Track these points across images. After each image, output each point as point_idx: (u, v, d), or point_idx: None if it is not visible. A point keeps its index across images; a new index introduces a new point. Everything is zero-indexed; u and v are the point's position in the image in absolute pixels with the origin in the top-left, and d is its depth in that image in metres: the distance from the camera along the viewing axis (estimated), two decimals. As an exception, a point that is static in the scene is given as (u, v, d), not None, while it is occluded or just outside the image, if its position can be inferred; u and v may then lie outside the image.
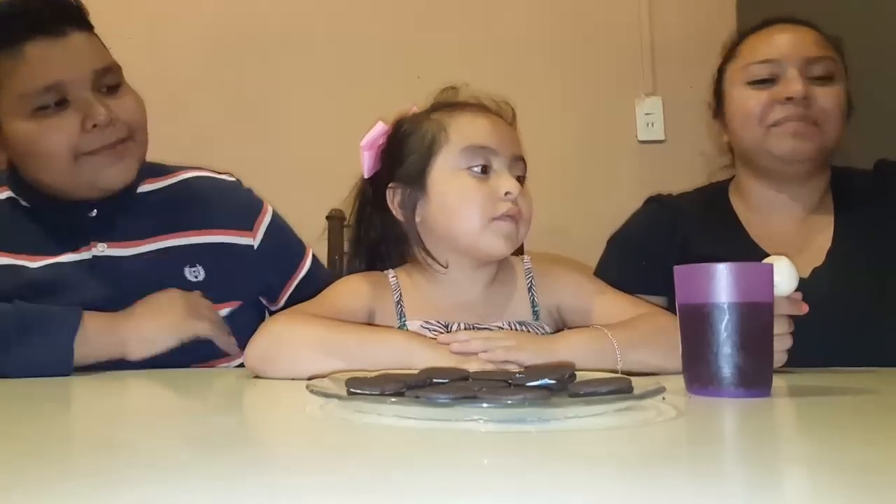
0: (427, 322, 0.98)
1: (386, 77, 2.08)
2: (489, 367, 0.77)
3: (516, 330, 0.97)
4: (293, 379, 0.84)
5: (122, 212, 1.17)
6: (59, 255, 1.13)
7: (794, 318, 0.83)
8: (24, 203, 1.18)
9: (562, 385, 0.63)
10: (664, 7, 2.21)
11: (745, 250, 1.16)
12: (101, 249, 1.14)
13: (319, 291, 1.01)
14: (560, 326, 1.05)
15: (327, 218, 1.52)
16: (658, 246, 1.24)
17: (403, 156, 1.01)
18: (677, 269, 0.73)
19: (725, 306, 0.67)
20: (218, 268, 1.18)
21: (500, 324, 0.98)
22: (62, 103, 1.07)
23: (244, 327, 1.10)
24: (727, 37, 1.28)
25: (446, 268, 1.00)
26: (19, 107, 1.07)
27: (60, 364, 0.97)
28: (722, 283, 0.68)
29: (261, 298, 1.28)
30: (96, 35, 1.14)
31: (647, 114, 2.18)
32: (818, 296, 0.87)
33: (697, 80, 1.41)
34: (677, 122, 2.16)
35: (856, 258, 1.16)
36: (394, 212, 1.03)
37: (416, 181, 1.00)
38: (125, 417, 0.68)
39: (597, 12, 2.20)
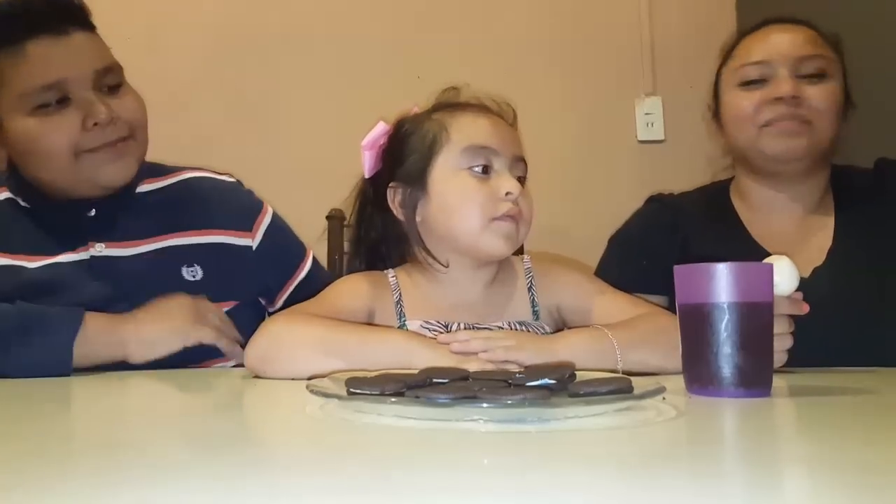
0: (427, 322, 0.98)
1: (386, 77, 2.08)
2: (489, 367, 0.77)
3: (516, 330, 0.97)
4: (293, 379, 0.84)
5: (121, 212, 1.17)
6: (57, 256, 1.13)
7: (795, 318, 0.83)
8: (22, 203, 1.18)
9: (562, 385, 0.63)
10: (664, 7, 2.21)
11: (747, 250, 1.16)
12: (99, 249, 1.14)
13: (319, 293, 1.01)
14: (560, 326, 1.05)
15: (327, 218, 1.52)
16: (658, 245, 1.25)
17: (404, 155, 1.01)
18: (677, 268, 0.73)
19: (725, 306, 0.67)
20: (216, 268, 1.18)
21: (499, 324, 0.98)
22: (63, 101, 1.08)
23: (242, 327, 1.10)
24: (727, 37, 1.28)
25: (447, 267, 1.00)
26: (21, 104, 1.07)
27: (60, 364, 0.97)
28: (722, 282, 0.68)
29: (260, 299, 1.28)
30: (98, 35, 1.14)
31: (646, 114, 2.18)
32: (819, 295, 0.87)
33: (697, 80, 1.41)
34: (677, 122, 2.16)
35: (856, 257, 1.16)
36: (394, 211, 1.03)
37: (417, 181, 1.00)
38: (125, 417, 0.68)
39: (597, 12, 2.20)
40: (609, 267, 1.28)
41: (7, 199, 1.19)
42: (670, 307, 0.99)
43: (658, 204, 1.32)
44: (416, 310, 1.00)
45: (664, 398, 0.62)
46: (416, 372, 0.66)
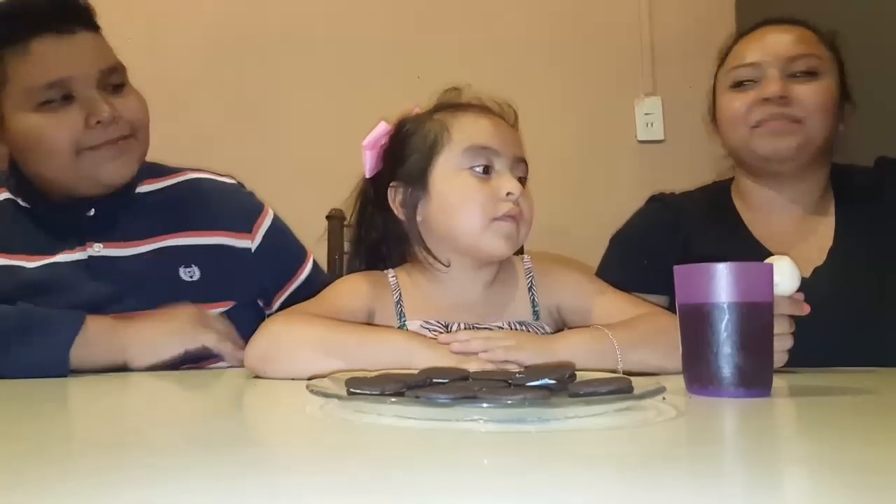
0: (427, 322, 0.98)
1: (386, 77, 2.08)
2: (489, 366, 0.77)
3: (516, 330, 0.97)
4: (293, 379, 0.84)
5: (120, 212, 1.18)
6: (55, 255, 1.13)
7: (795, 318, 0.83)
8: (22, 204, 1.18)
9: (562, 385, 0.62)
10: (664, 7, 2.21)
11: (749, 250, 1.16)
12: (97, 249, 1.14)
13: None
14: (560, 326, 1.05)
15: (327, 218, 1.52)
16: (659, 245, 1.25)
17: (405, 155, 1.01)
18: (677, 268, 0.73)
19: (725, 306, 0.67)
20: (213, 268, 1.18)
21: (500, 324, 0.98)
22: (67, 99, 1.09)
23: (240, 328, 1.10)
24: (726, 36, 1.28)
25: (448, 266, 1.00)
26: (25, 101, 1.08)
27: (57, 365, 0.96)
28: (722, 282, 0.68)
29: (258, 301, 1.28)
30: (102, 36, 1.15)
31: (646, 114, 2.18)
32: (819, 295, 0.87)
33: (697, 80, 1.41)
34: (677, 122, 2.16)
35: (856, 256, 1.16)
36: (395, 211, 1.03)
37: (418, 180, 1.00)
38: (125, 417, 0.68)
39: (597, 12, 2.20)
40: (610, 267, 1.28)
41: (6, 200, 1.19)
42: (671, 307, 0.99)
43: (659, 203, 1.32)
44: (416, 310, 1.00)
45: (664, 398, 0.62)
46: (416, 372, 0.66)
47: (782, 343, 0.81)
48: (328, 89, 2.10)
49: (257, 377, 0.89)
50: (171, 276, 1.15)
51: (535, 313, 1.02)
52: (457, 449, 0.47)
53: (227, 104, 2.07)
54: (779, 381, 0.73)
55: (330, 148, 1.92)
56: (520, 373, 0.66)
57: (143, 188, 1.22)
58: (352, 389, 0.58)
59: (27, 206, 1.18)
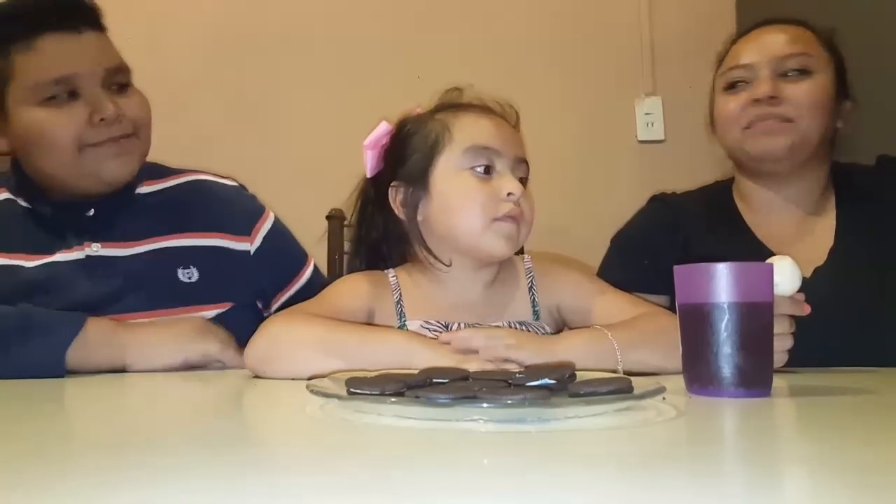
0: (427, 322, 0.98)
1: (386, 77, 2.08)
2: (489, 366, 0.77)
3: (516, 329, 0.97)
4: (293, 379, 0.84)
5: (120, 212, 1.18)
6: (53, 255, 1.13)
7: (796, 318, 0.83)
8: (22, 203, 1.19)
9: (562, 385, 0.62)
10: (664, 7, 2.21)
11: (752, 250, 1.16)
12: (95, 249, 1.14)
13: None
14: (560, 326, 1.05)
15: (327, 218, 1.52)
16: (660, 245, 1.25)
17: (406, 155, 1.02)
18: (677, 268, 0.73)
19: (725, 306, 0.67)
20: (212, 270, 1.18)
21: (500, 324, 0.98)
22: (72, 96, 1.10)
23: (238, 329, 1.10)
24: (726, 36, 1.28)
25: (449, 266, 1.00)
26: (31, 96, 1.09)
27: (54, 365, 0.96)
28: (722, 282, 0.68)
29: (257, 303, 1.28)
30: (108, 36, 1.16)
31: (646, 114, 2.18)
32: (820, 295, 0.86)
33: (697, 80, 1.41)
34: (677, 121, 2.16)
35: (857, 255, 1.16)
36: (395, 210, 1.03)
37: (419, 180, 1.00)
38: (125, 417, 0.68)
39: (597, 12, 2.20)
40: (611, 267, 1.28)
41: (6, 200, 1.20)
42: (672, 307, 0.99)
43: (660, 203, 1.32)
44: (416, 310, 1.00)
45: (664, 398, 0.62)
46: (416, 372, 0.66)
47: (782, 343, 0.81)
48: (328, 89, 2.10)
49: (257, 377, 0.89)
50: (169, 276, 1.16)
51: (536, 313, 1.02)
52: (457, 449, 0.47)
53: (227, 104, 2.07)
54: (779, 381, 0.73)
55: (330, 148, 1.92)
56: (520, 373, 0.66)
57: (143, 189, 1.22)
58: (352, 389, 0.58)
59: (27, 205, 1.18)
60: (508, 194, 0.95)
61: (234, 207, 1.26)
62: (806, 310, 0.82)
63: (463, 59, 2.09)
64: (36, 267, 1.12)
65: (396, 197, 1.02)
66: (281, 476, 0.41)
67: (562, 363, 0.80)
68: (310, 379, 0.68)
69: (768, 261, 0.75)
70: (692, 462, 0.44)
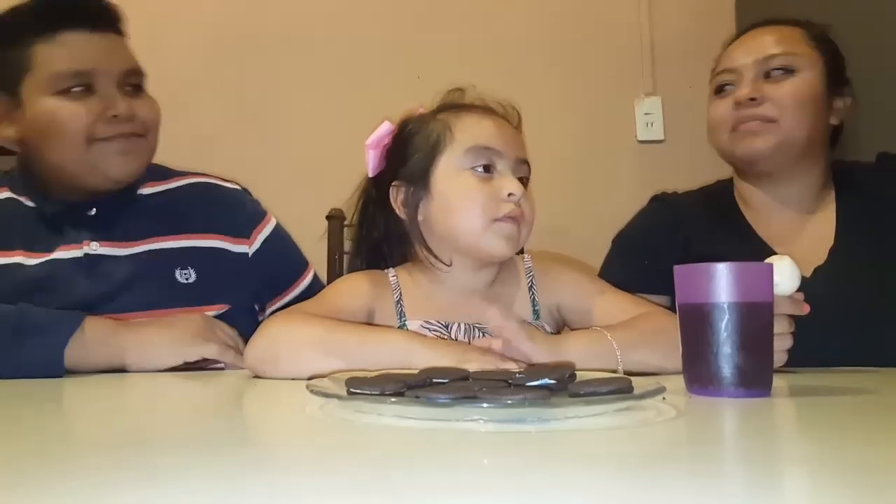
0: (427, 322, 0.98)
1: (386, 77, 2.08)
2: (489, 367, 0.77)
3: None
4: (293, 379, 0.83)
5: (122, 212, 1.18)
6: (53, 253, 1.14)
7: (796, 318, 0.83)
8: (24, 201, 1.19)
9: (562, 385, 0.62)
10: (664, 7, 2.21)
11: (754, 249, 1.16)
12: (94, 248, 1.15)
13: None
14: (560, 326, 1.05)
15: (327, 218, 1.52)
16: (660, 245, 1.25)
17: (408, 155, 1.02)
18: (677, 268, 0.73)
19: (725, 306, 0.67)
20: (210, 271, 1.18)
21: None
22: (88, 90, 1.12)
23: (236, 330, 1.11)
24: (726, 37, 1.28)
25: (449, 265, 1.00)
26: (48, 85, 1.11)
27: (52, 364, 0.96)
28: (722, 282, 0.68)
29: (255, 305, 1.28)
30: (127, 43, 1.19)
31: (646, 114, 2.18)
32: (820, 295, 0.86)
33: (697, 79, 1.41)
34: (677, 121, 2.16)
35: (857, 254, 1.15)
36: (396, 210, 1.03)
37: (420, 180, 1.00)
38: (125, 417, 0.68)
39: (597, 12, 2.20)
40: (612, 267, 1.28)
41: (7, 199, 1.20)
42: (673, 307, 0.99)
43: (660, 203, 1.32)
44: (416, 309, 1.00)
45: (664, 398, 0.62)
46: (416, 372, 0.66)
47: (782, 343, 0.81)
48: (328, 89, 2.10)
49: (257, 377, 0.89)
50: (166, 277, 1.16)
51: (536, 313, 1.02)
52: (457, 449, 0.47)
53: (227, 104, 2.07)
54: (779, 381, 0.73)
55: (330, 148, 1.92)
56: (520, 373, 0.66)
57: (145, 190, 1.23)
58: (352, 389, 0.58)
59: (30, 204, 1.19)
60: (509, 195, 0.95)
61: (235, 210, 1.27)
62: (805, 309, 0.82)
63: (463, 59, 2.09)
64: (36, 265, 1.13)
65: (397, 196, 1.02)
66: (281, 476, 0.41)
67: (561, 363, 0.80)
68: (310, 379, 0.68)
69: (767, 260, 0.75)
70: (692, 462, 0.44)
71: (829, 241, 1.18)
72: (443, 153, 0.99)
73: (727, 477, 0.40)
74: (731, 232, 1.23)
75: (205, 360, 1.05)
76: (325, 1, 2.14)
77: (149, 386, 0.91)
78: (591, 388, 0.58)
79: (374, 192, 1.08)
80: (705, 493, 0.36)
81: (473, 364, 0.76)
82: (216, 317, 1.15)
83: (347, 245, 1.28)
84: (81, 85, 1.11)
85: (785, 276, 0.77)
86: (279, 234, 1.28)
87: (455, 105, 1.05)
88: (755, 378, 0.68)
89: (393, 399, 0.56)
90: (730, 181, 1.31)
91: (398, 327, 0.98)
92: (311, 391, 0.59)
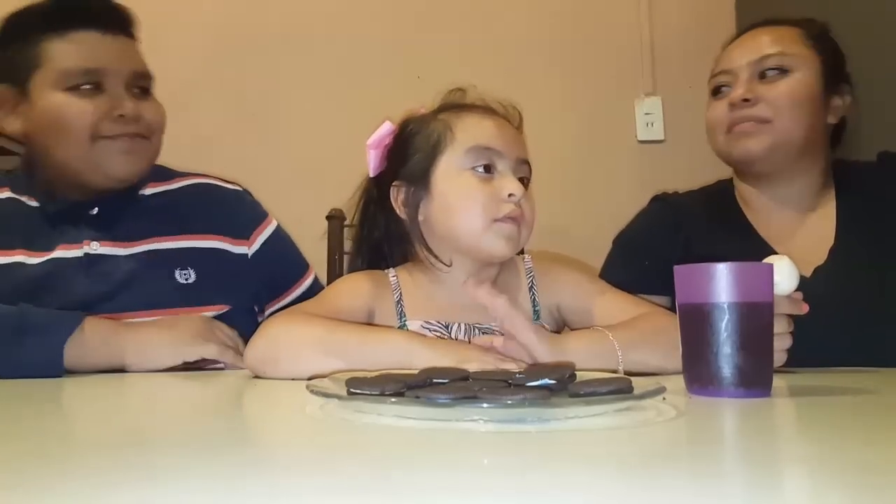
0: (427, 322, 0.98)
1: (386, 77, 2.08)
2: (489, 367, 0.77)
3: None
4: (293, 379, 0.83)
5: (123, 212, 1.19)
6: (53, 252, 1.14)
7: (795, 318, 0.83)
8: (25, 201, 1.19)
9: (562, 385, 0.63)
10: (664, 7, 2.21)
11: (754, 248, 1.15)
12: (94, 248, 1.15)
13: None
14: (560, 326, 1.05)
15: (327, 218, 1.52)
16: (661, 245, 1.25)
17: (409, 154, 1.02)
18: (677, 268, 0.73)
19: (725, 306, 0.67)
20: (209, 272, 1.19)
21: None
22: (96, 89, 1.13)
23: (235, 330, 1.11)
24: (726, 37, 1.28)
25: (450, 266, 1.00)
26: (57, 81, 1.12)
27: (51, 364, 0.96)
28: (722, 282, 0.68)
29: (254, 306, 1.28)
30: (137, 46, 1.20)
31: (646, 114, 2.18)
32: (820, 295, 0.86)
33: (697, 79, 1.41)
34: (677, 121, 2.16)
35: (857, 254, 1.15)
36: (397, 210, 1.03)
37: (420, 180, 1.00)
38: (125, 417, 0.68)
39: (597, 12, 2.20)
40: (613, 268, 1.28)
41: (8, 198, 1.20)
42: (673, 308, 0.99)
43: (661, 203, 1.32)
44: (416, 309, 1.00)
45: (664, 398, 0.62)
46: (416, 372, 0.66)
47: (781, 342, 0.81)
48: (328, 89, 2.10)
49: (257, 377, 0.89)
50: (166, 277, 1.16)
51: (536, 313, 1.02)
52: (457, 449, 0.47)
53: (227, 104, 2.08)
54: (779, 381, 0.73)
55: (330, 148, 1.92)
56: (520, 373, 0.66)
57: (146, 190, 1.23)
58: (352, 389, 0.58)
59: (32, 203, 1.19)
60: (509, 195, 0.95)
61: (236, 210, 1.27)
62: (804, 309, 0.82)
63: (463, 59, 2.09)
64: (37, 264, 1.13)
65: (398, 196, 1.02)
66: (281, 476, 0.41)
67: (561, 363, 0.80)
68: (310, 379, 0.68)
69: (765, 260, 0.75)
70: (692, 462, 0.44)
71: (830, 240, 1.18)
72: (443, 153, 0.99)
73: (727, 477, 0.40)
74: (732, 232, 1.23)
75: (204, 360, 1.05)
76: (325, 1, 2.14)
77: (148, 386, 0.91)
78: (591, 388, 0.58)
79: (375, 191, 1.08)
80: (705, 493, 0.36)
81: (473, 364, 0.76)
82: (216, 317, 1.15)
83: (347, 245, 1.28)
84: (90, 83, 1.12)
85: (784, 275, 0.77)
86: (279, 236, 1.29)
87: (456, 105, 1.05)
88: (755, 378, 0.68)
89: (393, 399, 0.56)
90: (730, 181, 1.31)
91: (398, 327, 0.98)
92: (311, 391, 0.59)
